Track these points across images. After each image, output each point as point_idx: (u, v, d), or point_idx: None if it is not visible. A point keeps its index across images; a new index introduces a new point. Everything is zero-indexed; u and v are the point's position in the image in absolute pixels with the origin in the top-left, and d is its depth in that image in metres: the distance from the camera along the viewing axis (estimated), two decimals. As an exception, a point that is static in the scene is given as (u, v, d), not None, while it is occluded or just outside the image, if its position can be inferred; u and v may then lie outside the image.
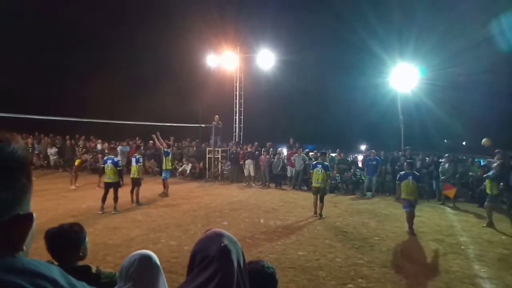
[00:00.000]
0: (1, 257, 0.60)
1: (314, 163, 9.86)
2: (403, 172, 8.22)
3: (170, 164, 11.88)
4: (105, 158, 9.70)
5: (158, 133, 12.33)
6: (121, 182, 9.14)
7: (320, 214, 8.94)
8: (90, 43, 23.88)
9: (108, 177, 9.09)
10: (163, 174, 11.67)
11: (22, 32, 21.56)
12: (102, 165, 9.93)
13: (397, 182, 8.41)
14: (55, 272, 0.65)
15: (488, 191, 8.75)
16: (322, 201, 9.00)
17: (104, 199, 8.91)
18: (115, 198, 8.96)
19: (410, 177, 7.90)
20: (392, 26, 22.08)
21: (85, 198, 10.45)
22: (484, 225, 8.48)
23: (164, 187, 11.47)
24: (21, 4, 21.17)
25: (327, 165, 9.33)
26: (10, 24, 20.68)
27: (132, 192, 10.13)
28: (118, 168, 9.09)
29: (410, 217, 7.79)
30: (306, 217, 9.00)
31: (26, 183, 0.67)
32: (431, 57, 17.65)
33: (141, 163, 10.51)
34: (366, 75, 20.61)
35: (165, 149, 11.88)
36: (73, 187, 12.43)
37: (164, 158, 11.84)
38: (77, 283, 0.70)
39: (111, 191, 8.99)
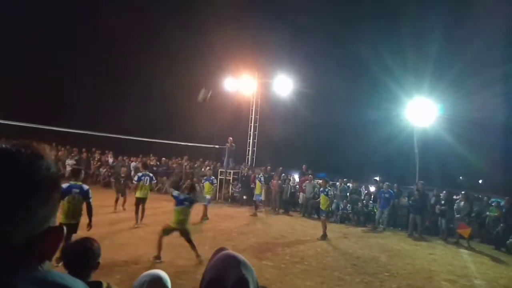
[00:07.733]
0: (33, 270, 0.62)
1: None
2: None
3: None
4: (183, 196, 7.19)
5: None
6: None
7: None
8: (113, 61, 24.68)
9: None
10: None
11: (40, 41, 22.42)
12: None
13: None
14: (80, 285, 0.67)
15: None
16: None
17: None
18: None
19: None
20: (410, 60, 22.16)
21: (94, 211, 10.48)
22: None
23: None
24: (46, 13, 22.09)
25: None
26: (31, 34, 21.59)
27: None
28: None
29: None
30: (315, 246, 8.82)
31: (59, 197, 0.69)
32: (449, 92, 17.54)
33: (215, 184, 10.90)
34: (382, 108, 20.61)
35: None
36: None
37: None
38: None
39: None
